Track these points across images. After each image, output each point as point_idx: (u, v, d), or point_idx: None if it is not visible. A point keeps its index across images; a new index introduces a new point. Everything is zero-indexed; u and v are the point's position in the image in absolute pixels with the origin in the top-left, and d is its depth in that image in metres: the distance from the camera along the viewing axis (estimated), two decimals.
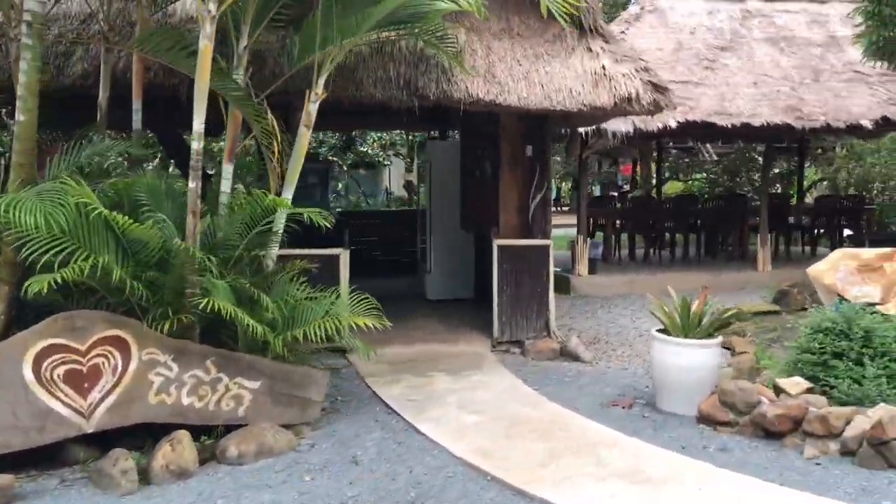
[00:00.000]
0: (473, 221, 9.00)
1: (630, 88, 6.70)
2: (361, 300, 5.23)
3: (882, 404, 4.86)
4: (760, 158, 15.13)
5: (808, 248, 13.23)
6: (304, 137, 5.39)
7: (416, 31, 6.04)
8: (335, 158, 17.23)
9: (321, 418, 5.35)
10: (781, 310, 8.36)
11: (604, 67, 6.80)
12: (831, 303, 6.50)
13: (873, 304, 6.26)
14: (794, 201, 14.97)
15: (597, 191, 26.31)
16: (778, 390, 5.27)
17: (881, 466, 4.43)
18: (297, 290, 5.25)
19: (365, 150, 17.89)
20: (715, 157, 20.27)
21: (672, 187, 20.78)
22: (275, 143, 4.98)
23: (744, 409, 5.11)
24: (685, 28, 11.91)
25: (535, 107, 6.60)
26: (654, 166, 16.79)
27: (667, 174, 22.41)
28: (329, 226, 4.79)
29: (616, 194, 19.32)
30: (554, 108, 6.64)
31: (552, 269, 7.60)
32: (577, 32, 7.06)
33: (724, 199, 12.98)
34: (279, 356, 4.92)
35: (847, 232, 13.51)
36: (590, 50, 6.96)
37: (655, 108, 6.95)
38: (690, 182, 21.13)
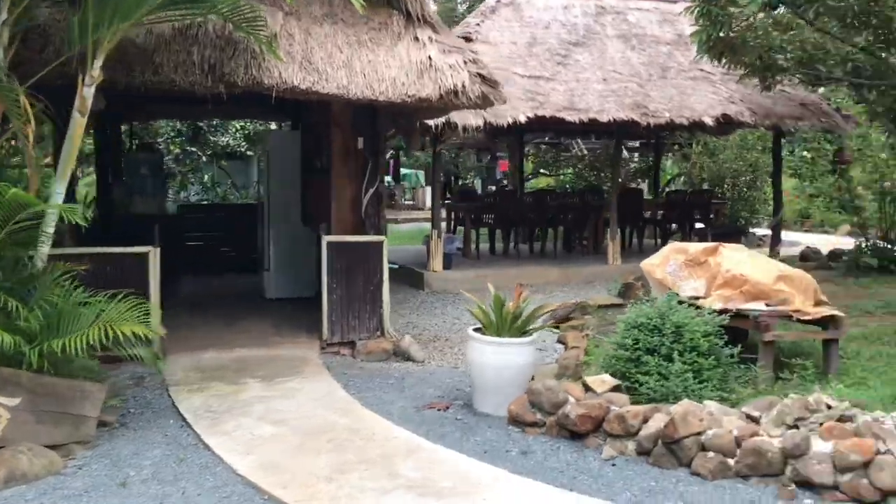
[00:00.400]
0: (313, 217, 8.61)
1: (456, 80, 6.47)
2: (138, 305, 4.74)
3: (685, 400, 4.85)
4: (625, 154, 15.52)
5: (660, 242, 13.59)
6: (79, 126, 4.85)
7: (224, 11, 5.59)
8: (194, 149, 16.35)
9: (101, 435, 4.84)
10: (626, 303, 8.43)
11: (430, 58, 6.54)
12: (663, 297, 6.53)
13: (698, 299, 6.34)
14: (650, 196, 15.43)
15: (478, 185, 26.39)
16: (587, 388, 5.19)
17: (672, 465, 4.39)
18: (70, 293, 4.71)
19: (226, 140, 17.06)
20: (585, 152, 20.69)
21: (540, 182, 21.06)
22: (28, 131, 4.42)
23: (550, 409, 4.97)
24: (540, 22, 11.91)
25: (356, 96, 6.27)
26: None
27: (539, 169, 22.76)
28: (85, 224, 4.28)
29: (494, 188, 19.33)
30: (377, 99, 6.33)
31: (386, 266, 7.31)
32: (403, 20, 6.79)
33: (581, 194, 13.12)
34: (41, 369, 4.39)
35: (699, 225, 14.00)
36: (416, 39, 6.70)
37: (484, 102, 6.76)
38: (562, 177, 21.49)
